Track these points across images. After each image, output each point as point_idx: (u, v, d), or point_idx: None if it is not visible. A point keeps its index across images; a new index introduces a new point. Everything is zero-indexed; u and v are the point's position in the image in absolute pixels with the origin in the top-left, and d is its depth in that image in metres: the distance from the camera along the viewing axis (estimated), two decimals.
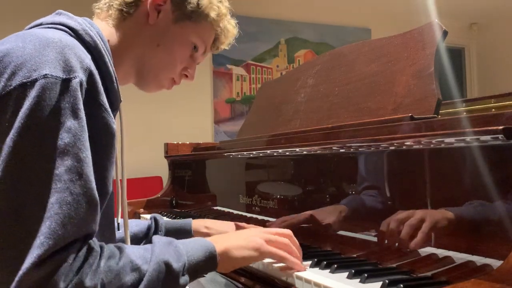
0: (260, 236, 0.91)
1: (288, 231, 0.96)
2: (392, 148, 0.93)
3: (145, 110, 4.01)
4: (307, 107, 1.47)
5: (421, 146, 0.86)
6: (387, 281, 0.75)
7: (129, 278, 0.72)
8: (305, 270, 0.90)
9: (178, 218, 1.68)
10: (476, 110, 1.48)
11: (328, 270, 0.88)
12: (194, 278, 0.81)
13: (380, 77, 1.21)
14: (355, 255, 0.99)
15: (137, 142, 3.92)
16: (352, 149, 1.03)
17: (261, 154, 1.38)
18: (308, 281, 0.84)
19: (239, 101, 4.53)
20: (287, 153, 1.26)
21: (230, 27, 1.08)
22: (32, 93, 0.69)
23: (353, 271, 0.83)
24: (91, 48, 0.83)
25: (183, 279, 0.78)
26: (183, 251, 0.80)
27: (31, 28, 0.85)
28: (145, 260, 0.75)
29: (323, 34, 4.91)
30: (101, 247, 0.74)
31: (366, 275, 0.80)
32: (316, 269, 0.90)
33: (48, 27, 0.83)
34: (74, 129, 0.71)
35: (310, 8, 4.78)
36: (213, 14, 1.01)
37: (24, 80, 0.69)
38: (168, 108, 4.11)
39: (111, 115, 0.81)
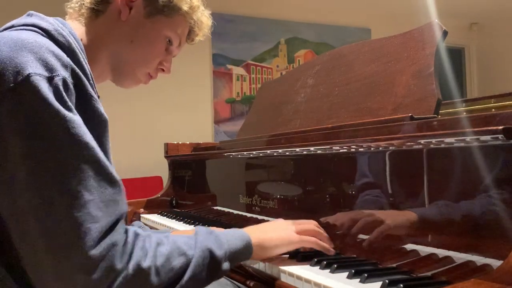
0: (289, 226, 0.98)
1: (313, 221, 1.03)
2: (392, 148, 0.93)
3: (146, 110, 4.01)
4: (307, 107, 1.47)
5: (421, 146, 0.86)
6: (387, 281, 0.75)
7: (178, 261, 0.78)
8: (334, 254, 0.98)
9: (178, 218, 1.68)
10: (476, 110, 1.48)
11: (328, 270, 0.88)
12: (233, 265, 0.87)
13: (380, 77, 1.21)
14: (355, 255, 0.99)
15: (137, 142, 3.92)
16: (352, 149, 1.03)
17: (261, 154, 1.38)
18: (308, 281, 0.84)
19: (239, 101, 4.53)
20: (287, 153, 1.26)
21: (204, 19, 1.08)
22: (23, 96, 0.71)
23: (353, 271, 0.83)
24: (65, 48, 0.83)
25: (225, 265, 0.84)
26: (224, 240, 0.86)
27: (2, 31, 0.85)
28: (190, 247, 0.81)
29: (323, 34, 4.91)
30: (149, 234, 0.80)
31: (366, 275, 0.80)
32: (316, 269, 0.90)
33: (20, 29, 0.83)
34: (76, 120, 0.73)
35: (310, 8, 4.78)
36: (185, 7, 1.01)
37: (11, 85, 0.71)
38: (168, 108, 4.11)
39: (100, 103, 0.83)
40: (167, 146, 2.10)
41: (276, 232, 0.96)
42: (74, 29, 0.92)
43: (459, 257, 0.79)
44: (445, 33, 1.09)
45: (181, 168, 2.06)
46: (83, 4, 0.97)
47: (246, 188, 1.49)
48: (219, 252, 0.83)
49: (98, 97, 0.92)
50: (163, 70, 1.07)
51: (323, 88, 1.43)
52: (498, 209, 0.73)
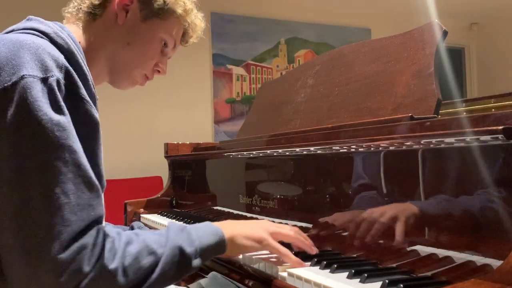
0: (265, 228, 0.97)
1: (295, 228, 1.01)
2: (392, 148, 0.93)
3: (146, 111, 4.01)
4: (307, 107, 1.47)
5: (421, 146, 0.86)
6: (387, 281, 0.75)
7: (146, 261, 0.79)
8: (304, 267, 0.93)
9: (178, 218, 1.68)
10: (476, 110, 1.48)
11: (328, 270, 0.88)
12: (205, 260, 0.88)
13: (380, 77, 1.21)
14: (355, 255, 0.99)
15: (137, 142, 3.92)
16: (352, 149, 1.03)
17: (261, 154, 1.38)
18: (308, 281, 0.84)
19: (239, 101, 4.53)
20: (287, 153, 1.26)
21: (198, 21, 1.11)
22: (15, 96, 0.73)
23: (353, 271, 0.83)
24: (63, 49, 0.85)
25: (195, 261, 0.84)
26: (195, 237, 0.86)
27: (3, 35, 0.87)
28: (160, 245, 0.81)
29: (323, 34, 4.91)
30: (119, 234, 0.80)
31: (366, 275, 0.80)
32: (316, 269, 0.90)
33: (20, 32, 0.85)
34: (63, 122, 0.75)
35: (310, 8, 4.77)
36: (179, 10, 1.04)
37: (5, 85, 0.73)
38: (168, 108, 4.10)
39: (93, 105, 0.84)
40: (167, 146, 2.11)
41: (248, 230, 0.95)
42: (72, 32, 0.94)
43: (459, 257, 0.79)
44: (445, 33, 1.10)
45: (181, 168, 2.06)
46: (80, 8, 0.99)
47: (246, 188, 1.49)
48: (189, 250, 0.84)
49: (97, 98, 0.93)
50: (159, 71, 1.10)
51: (323, 88, 1.43)
52: (498, 209, 0.73)
